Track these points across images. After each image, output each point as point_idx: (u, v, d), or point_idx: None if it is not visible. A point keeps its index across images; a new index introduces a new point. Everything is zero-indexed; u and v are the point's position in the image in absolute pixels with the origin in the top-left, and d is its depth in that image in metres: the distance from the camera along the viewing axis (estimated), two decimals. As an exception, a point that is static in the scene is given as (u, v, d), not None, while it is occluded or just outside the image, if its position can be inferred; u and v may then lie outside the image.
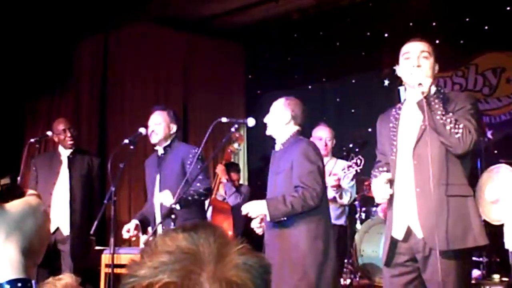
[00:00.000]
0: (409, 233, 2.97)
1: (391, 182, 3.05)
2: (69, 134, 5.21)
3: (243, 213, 3.70)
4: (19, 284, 0.81)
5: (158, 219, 4.21)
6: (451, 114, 2.85)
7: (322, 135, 5.37)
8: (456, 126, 2.81)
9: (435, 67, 3.05)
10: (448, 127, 2.81)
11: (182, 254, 0.83)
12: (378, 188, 3.05)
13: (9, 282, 0.81)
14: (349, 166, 5.13)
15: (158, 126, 4.36)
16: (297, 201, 3.49)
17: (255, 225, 3.79)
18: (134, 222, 4.29)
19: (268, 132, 3.85)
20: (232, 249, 0.85)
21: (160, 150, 4.43)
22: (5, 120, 6.54)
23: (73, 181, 5.16)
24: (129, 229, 4.18)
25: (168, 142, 4.41)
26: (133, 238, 4.14)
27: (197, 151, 4.24)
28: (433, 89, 3.01)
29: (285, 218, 3.56)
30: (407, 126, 3.05)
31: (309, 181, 3.55)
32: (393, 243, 3.02)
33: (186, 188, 3.91)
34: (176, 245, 0.84)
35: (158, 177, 4.36)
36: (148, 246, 0.86)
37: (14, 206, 0.87)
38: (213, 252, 0.83)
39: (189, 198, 4.06)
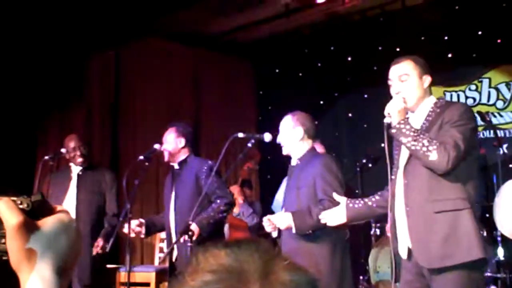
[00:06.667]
0: (410, 251, 2.95)
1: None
2: (79, 153, 5.10)
3: (264, 223, 3.65)
4: None
5: (173, 236, 4.19)
6: (424, 135, 2.81)
7: None
8: (430, 149, 2.76)
9: (422, 82, 3.02)
10: (421, 152, 2.78)
11: (226, 273, 0.79)
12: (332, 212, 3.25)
13: None
14: None
15: (166, 144, 4.37)
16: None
17: (267, 227, 3.71)
18: (139, 220, 4.26)
19: (284, 152, 3.81)
20: (278, 265, 0.81)
21: (175, 165, 4.41)
22: (17, 137, 6.55)
23: (79, 199, 5.02)
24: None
25: (182, 157, 4.37)
26: (132, 234, 4.10)
27: (211, 164, 4.22)
28: (432, 100, 3.03)
29: (310, 232, 3.53)
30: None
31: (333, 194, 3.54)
32: (399, 260, 3.02)
33: (205, 203, 3.88)
34: (219, 263, 0.80)
35: (173, 194, 4.33)
36: (189, 265, 0.82)
37: (47, 223, 0.85)
38: (258, 269, 0.79)
39: (211, 221, 4.03)
